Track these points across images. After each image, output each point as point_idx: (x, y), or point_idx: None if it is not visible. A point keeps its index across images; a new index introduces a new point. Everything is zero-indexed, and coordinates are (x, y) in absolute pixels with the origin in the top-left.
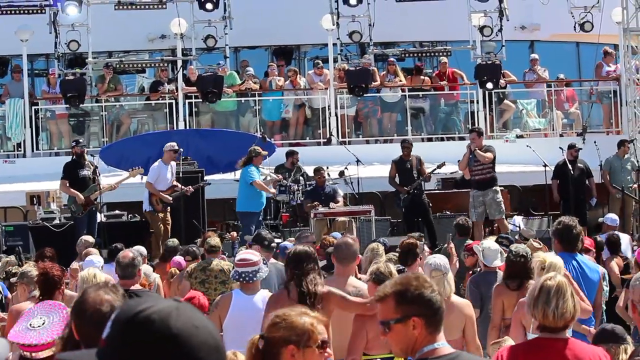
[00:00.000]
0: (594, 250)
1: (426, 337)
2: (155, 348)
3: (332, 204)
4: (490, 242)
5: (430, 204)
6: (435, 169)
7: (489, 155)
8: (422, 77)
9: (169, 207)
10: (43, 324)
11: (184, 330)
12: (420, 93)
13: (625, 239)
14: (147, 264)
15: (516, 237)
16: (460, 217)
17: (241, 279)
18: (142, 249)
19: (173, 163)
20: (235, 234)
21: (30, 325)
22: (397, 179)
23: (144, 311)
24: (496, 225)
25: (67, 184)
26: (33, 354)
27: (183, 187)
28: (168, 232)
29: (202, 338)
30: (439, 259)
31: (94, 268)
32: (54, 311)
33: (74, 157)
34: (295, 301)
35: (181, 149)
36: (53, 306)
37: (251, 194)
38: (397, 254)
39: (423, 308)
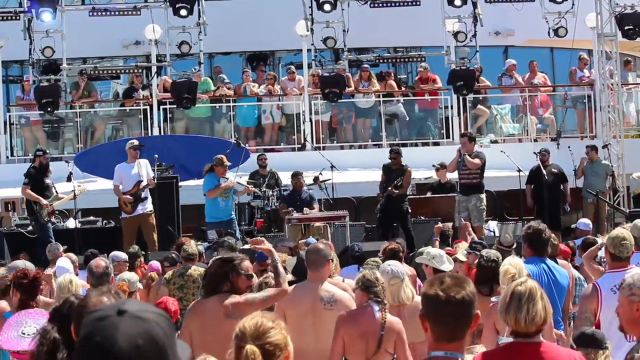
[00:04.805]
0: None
1: None
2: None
3: (306, 209)
4: (432, 249)
5: (410, 211)
6: (392, 188)
7: (477, 161)
8: (391, 82)
9: (148, 209)
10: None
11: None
12: (394, 99)
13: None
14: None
15: (494, 242)
16: (443, 224)
17: None
18: (123, 255)
19: (142, 161)
20: None
21: (23, 333)
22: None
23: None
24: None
25: (29, 189)
26: None
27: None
28: (150, 237)
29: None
30: (395, 266)
31: (70, 274)
32: (44, 319)
33: (40, 166)
34: None
35: (143, 144)
36: (42, 314)
37: (208, 204)
38: (376, 261)
39: None
